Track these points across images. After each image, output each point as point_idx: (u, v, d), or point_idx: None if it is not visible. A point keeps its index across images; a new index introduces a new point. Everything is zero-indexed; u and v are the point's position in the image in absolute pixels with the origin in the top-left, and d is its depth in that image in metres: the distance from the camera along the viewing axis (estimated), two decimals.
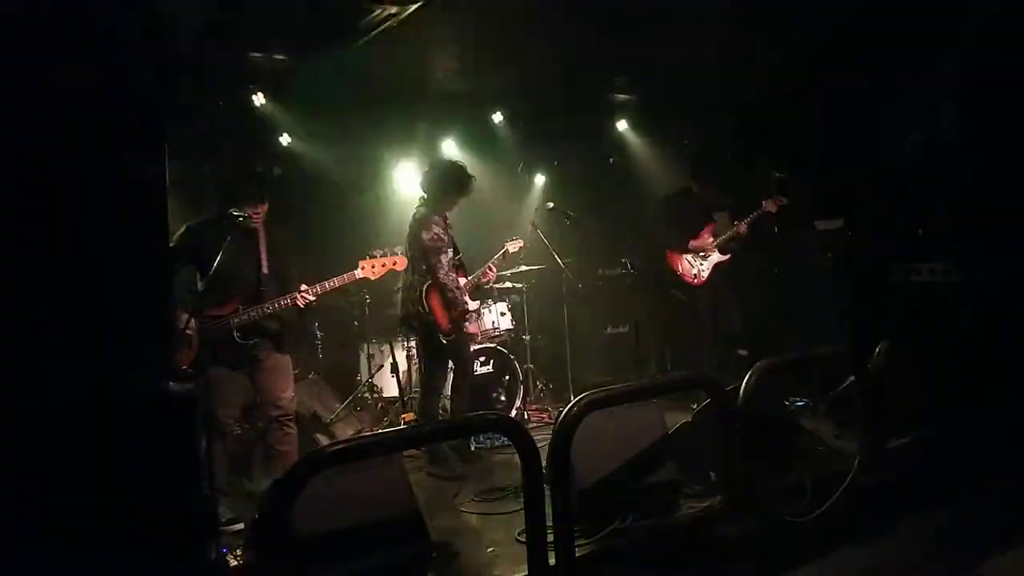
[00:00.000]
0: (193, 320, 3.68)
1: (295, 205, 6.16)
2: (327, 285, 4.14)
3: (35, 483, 1.83)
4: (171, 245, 3.66)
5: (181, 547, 1.98)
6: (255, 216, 4.02)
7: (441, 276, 4.66)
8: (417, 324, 4.81)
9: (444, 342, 4.82)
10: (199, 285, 3.94)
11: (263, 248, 4.08)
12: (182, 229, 3.94)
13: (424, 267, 4.73)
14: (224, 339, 3.89)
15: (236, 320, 3.92)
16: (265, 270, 4.07)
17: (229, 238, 3.84)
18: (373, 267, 4.32)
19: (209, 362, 3.82)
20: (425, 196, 4.91)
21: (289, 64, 5.46)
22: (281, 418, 4.12)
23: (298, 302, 4.02)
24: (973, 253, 5.32)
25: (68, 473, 1.85)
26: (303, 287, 4.06)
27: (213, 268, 3.72)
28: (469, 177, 4.90)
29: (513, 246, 5.61)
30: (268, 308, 3.97)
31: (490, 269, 5.38)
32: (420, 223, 4.77)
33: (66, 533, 1.83)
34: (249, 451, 4.88)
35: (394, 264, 4.42)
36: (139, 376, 1.97)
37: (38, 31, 1.93)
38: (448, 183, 4.86)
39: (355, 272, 4.26)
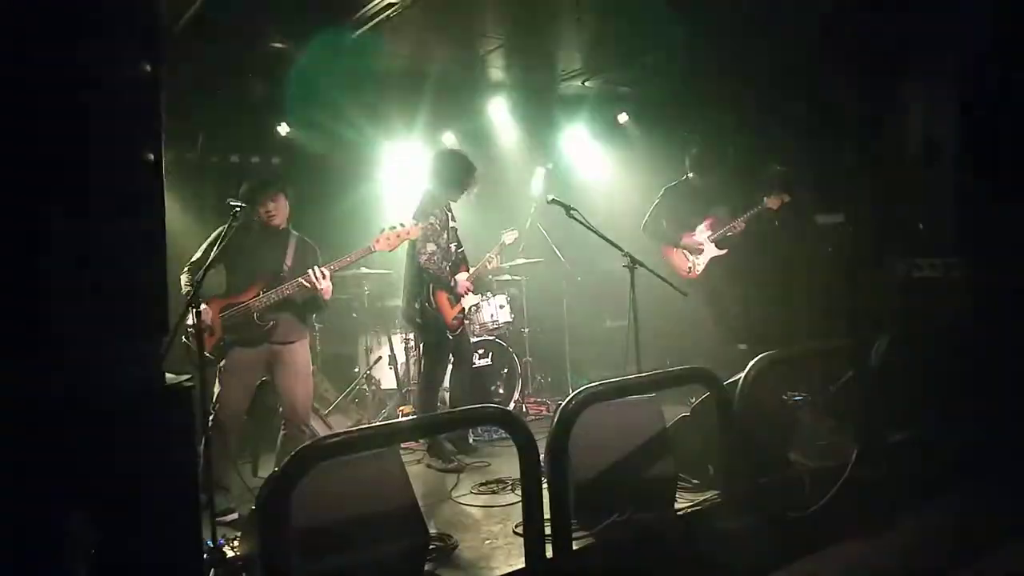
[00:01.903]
0: (217, 309, 3.97)
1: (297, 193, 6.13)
2: (344, 261, 4.16)
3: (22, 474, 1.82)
4: (216, 249, 3.74)
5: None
6: (268, 214, 4.14)
7: (423, 261, 4.66)
8: (422, 321, 4.81)
9: (450, 338, 4.86)
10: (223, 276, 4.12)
11: (291, 250, 4.19)
12: (220, 234, 3.84)
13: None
14: (245, 323, 4.04)
15: (256, 303, 4.03)
16: (289, 263, 4.16)
17: (254, 233, 4.13)
18: (388, 239, 4.25)
19: (229, 347, 4.02)
20: (428, 187, 4.89)
21: (288, 52, 5.41)
22: (292, 421, 4.16)
23: (315, 279, 4.02)
24: (974, 248, 5.30)
25: (56, 463, 1.84)
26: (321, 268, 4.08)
27: (234, 260, 4.02)
28: (471, 171, 4.86)
29: (509, 237, 5.55)
30: (287, 290, 4.05)
31: (490, 261, 5.35)
32: (420, 212, 4.77)
33: (58, 526, 1.82)
34: (256, 444, 4.88)
35: (408, 234, 4.34)
36: (130, 369, 1.95)
37: (30, 18, 1.91)
38: (450, 176, 4.84)
39: (370, 246, 4.23)
